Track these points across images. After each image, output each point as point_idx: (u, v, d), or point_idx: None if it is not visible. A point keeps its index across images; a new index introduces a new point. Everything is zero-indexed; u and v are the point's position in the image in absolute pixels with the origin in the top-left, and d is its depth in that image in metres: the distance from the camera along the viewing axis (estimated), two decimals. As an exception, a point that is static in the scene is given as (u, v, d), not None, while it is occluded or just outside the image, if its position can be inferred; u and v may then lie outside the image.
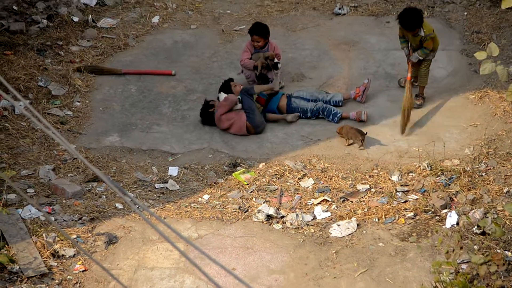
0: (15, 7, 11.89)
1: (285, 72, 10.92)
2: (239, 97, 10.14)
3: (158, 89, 10.86)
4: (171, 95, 10.76)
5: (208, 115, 10.17)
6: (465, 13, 11.99)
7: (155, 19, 12.20)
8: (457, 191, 8.62)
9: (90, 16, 12.00)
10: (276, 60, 10.79)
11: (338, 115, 10.12)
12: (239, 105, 10.10)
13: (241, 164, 9.48)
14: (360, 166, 9.33)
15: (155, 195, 8.97)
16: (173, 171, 9.39)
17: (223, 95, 10.22)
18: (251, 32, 10.82)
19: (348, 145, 9.66)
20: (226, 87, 10.44)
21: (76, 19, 11.89)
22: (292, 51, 11.55)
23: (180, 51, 11.59)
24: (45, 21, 11.74)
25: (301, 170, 9.29)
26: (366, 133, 9.64)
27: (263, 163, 9.47)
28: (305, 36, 11.89)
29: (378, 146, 9.66)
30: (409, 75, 10.14)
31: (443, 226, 8.21)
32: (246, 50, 10.82)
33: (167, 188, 9.10)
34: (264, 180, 9.18)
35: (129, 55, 11.49)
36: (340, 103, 10.43)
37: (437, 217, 8.38)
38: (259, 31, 10.78)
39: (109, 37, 11.76)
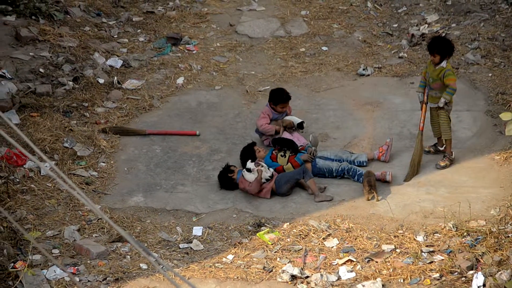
0: (41, 70, 12.12)
1: (309, 132, 11.00)
2: (266, 178, 10.13)
3: (183, 149, 11.00)
4: (196, 155, 10.88)
5: (226, 180, 10.24)
6: (490, 75, 12.08)
7: (180, 80, 12.39)
8: (483, 252, 8.59)
9: (115, 77, 12.20)
10: (299, 120, 10.92)
11: (363, 175, 10.14)
12: (267, 176, 10.15)
13: (265, 224, 9.54)
14: (385, 226, 9.35)
15: (179, 255, 9.02)
16: (197, 231, 9.46)
17: (247, 175, 10.13)
18: (277, 101, 10.91)
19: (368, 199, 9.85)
20: (249, 152, 10.52)
21: (101, 80, 12.08)
22: (316, 111, 11.69)
23: (205, 111, 11.76)
24: (71, 83, 11.92)
25: (326, 230, 9.32)
26: (374, 185, 9.82)
27: (288, 223, 9.52)
28: (329, 96, 12.03)
29: (403, 206, 9.69)
30: (421, 124, 10.30)
31: None
32: (265, 116, 10.91)
33: (191, 248, 9.16)
34: (288, 240, 9.22)
35: (154, 116, 11.66)
36: (365, 164, 10.52)
37: (463, 278, 8.35)
38: (286, 99, 10.94)
39: (134, 98, 11.95)
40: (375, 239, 9.12)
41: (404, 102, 11.73)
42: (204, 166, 10.69)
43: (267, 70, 12.72)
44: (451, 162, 10.39)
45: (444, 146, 10.46)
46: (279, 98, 10.93)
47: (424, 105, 10.30)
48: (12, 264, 8.48)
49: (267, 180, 10.13)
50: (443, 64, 10.03)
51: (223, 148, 11.04)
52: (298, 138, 10.85)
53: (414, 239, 9.04)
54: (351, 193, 10.07)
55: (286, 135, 10.88)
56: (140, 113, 11.68)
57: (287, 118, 11.02)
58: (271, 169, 10.29)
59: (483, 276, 8.18)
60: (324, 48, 13.28)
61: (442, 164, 10.35)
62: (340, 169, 10.33)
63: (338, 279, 8.54)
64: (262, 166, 10.19)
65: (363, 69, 12.51)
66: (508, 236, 8.81)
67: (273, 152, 10.52)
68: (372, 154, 10.66)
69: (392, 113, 11.55)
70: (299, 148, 10.62)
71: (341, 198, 9.99)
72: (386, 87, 12.17)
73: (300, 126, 10.96)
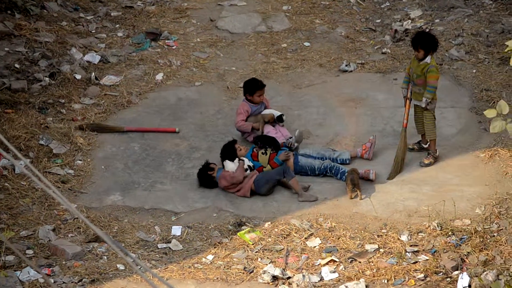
0: (17, 65, 11.98)
1: (291, 130, 10.92)
2: (248, 165, 10.11)
3: (162, 146, 10.90)
4: (175, 153, 10.78)
5: (206, 178, 10.13)
6: (474, 71, 12.02)
7: (159, 76, 12.27)
8: (468, 252, 8.58)
9: (93, 73, 12.06)
10: (279, 113, 10.87)
11: (346, 173, 10.06)
12: (247, 172, 10.08)
13: (246, 223, 9.46)
14: (368, 225, 9.28)
15: (157, 255, 8.93)
16: (176, 230, 9.36)
17: (229, 164, 10.12)
18: (253, 90, 10.85)
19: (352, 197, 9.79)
20: (229, 150, 10.41)
21: (78, 76, 11.94)
22: (299, 108, 11.61)
23: (184, 108, 11.66)
24: (47, 79, 11.78)
25: (308, 230, 9.24)
26: (357, 183, 9.74)
27: (269, 222, 9.43)
28: (311, 93, 11.95)
29: (386, 204, 9.62)
30: (405, 121, 10.28)
31: (455, 288, 8.15)
32: (242, 112, 10.85)
33: (170, 248, 9.07)
34: (270, 239, 9.14)
35: (132, 112, 11.54)
36: (348, 161, 10.44)
37: (448, 279, 8.32)
38: (261, 85, 10.88)
39: (112, 94, 11.82)
40: (358, 239, 9.06)
41: (387, 99, 11.66)
42: (183, 164, 10.59)
43: (248, 66, 12.63)
44: (435, 159, 10.32)
45: (428, 143, 10.39)
46: (254, 86, 10.86)
47: (407, 101, 10.23)
48: (-15, 265, 8.36)
49: (249, 166, 10.05)
50: (427, 59, 9.98)
51: (203, 146, 10.94)
52: (281, 132, 10.78)
53: (398, 239, 8.98)
54: (333, 192, 9.99)
55: (269, 128, 10.78)
56: (118, 109, 11.55)
57: (267, 111, 10.94)
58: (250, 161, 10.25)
59: (468, 276, 8.17)
60: (307, 44, 13.18)
61: (426, 161, 10.28)
62: (322, 167, 10.25)
63: (320, 279, 8.49)
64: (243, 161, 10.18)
65: (346, 65, 12.42)
66: (494, 236, 8.79)
67: (254, 149, 10.42)
68: (355, 152, 10.58)
69: (375, 110, 11.49)
70: (281, 145, 10.54)
71: (323, 196, 9.92)
72: (369, 83, 12.09)
73: (280, 119, 10.90)
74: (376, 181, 10.07)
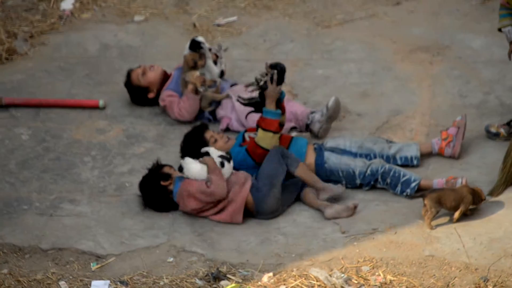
0: None
1: (310, 103, 10.93)
2: (222, 156, 10.18)
3: (72, 134, 11.09)
4: (97, 146, 10.97)
5: (156, 192, 10.26)
6: None
7: (67, 4, 12.51)
8: None
9: None
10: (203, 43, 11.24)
11: (413, 184, 10.18)
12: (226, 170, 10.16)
13: (228, 275, 9.46)
14: (454, 279, 9.27)
15: None
16: (99, 289, 9.35)
17: (190, 165, 10.16)
18: None
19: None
20: (197, 142, 10.56)
21: None
22: (325, 64, 11.79)
23: (115, 63, 11.92)
24: None
25: (342, 287, 9.16)
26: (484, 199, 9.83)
27: (270, 273, 9.44)
28: (348, 36, 12.24)
29: (488, 242, 9.63)
30: None
31: None
32: (172, 100, 11.31)
33: (87, 322, 9.12)
34: (272, 306, 9.14)
35: (16, 71, 11.84)
36: (415, 161, 10.56)
37: None
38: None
39: (-21, 38, 12.08)
40: (435, 305, 9.07)
41: (490, 46, 11.90)
42: (112, 167, 10.74)
43: (232, -14, 12.81)
44: None
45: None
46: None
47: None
48: None
49: (223, 158, 10.13)
50: None
51: (148, 133, 11.16)
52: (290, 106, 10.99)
53: (509, 305, 9.00)
54: (389, 218, 10.05)
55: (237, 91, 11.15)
56: (-9, 65, 11.80)
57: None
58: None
59: None
60: None
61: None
62: (369, 171, 10.32)
63: None
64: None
65: (413, -15, 12.65)
66: None
67: (245, 134, 10.59)
68: (428, 145, 10.72)
69: (468, 67, 11.68)
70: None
71: (369, 226, 9.94)
72: (456, 17, 12.38)
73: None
74: (470, 198, 10.09)
